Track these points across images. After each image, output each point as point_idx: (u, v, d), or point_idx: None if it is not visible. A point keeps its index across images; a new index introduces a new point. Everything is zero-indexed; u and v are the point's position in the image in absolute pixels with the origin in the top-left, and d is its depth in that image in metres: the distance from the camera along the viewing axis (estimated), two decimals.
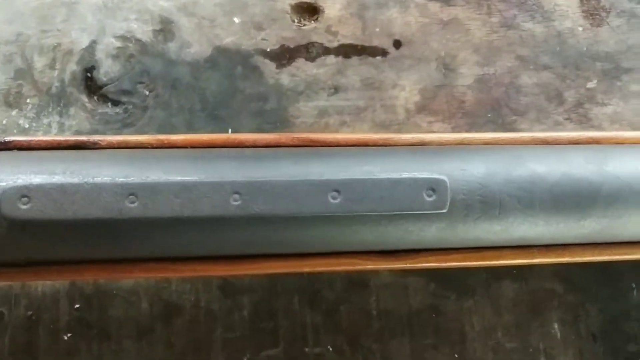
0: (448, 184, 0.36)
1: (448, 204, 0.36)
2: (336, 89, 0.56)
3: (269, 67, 0.57)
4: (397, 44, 0.57)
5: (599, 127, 0.57)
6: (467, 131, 0.56)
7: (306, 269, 0.39)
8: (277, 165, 0.37)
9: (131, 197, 0.34)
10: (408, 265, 0.40)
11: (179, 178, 0.35)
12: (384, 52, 0.57)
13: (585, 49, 0.58)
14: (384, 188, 0.36)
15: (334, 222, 0.37)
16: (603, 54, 0.58)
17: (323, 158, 0.38)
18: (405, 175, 0.37)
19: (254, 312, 0.52)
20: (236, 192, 0.35)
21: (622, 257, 0.42)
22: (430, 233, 0.38)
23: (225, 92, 0.56)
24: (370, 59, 0.57)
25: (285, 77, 0.56)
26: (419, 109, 0.56)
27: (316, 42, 0.57)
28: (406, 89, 0.56)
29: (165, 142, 0.38)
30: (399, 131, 0.56)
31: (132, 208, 0.34)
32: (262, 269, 0.38)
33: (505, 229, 0.38)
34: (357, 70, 0.57)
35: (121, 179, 0.35)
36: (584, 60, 0.58)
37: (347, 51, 0.57)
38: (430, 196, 0.36)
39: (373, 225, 0.38)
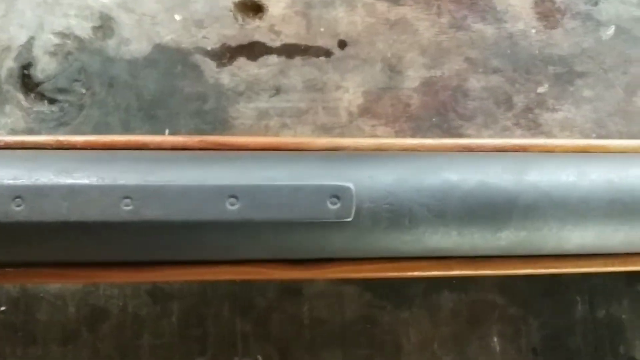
0: (354, 191, 0.35)
1: (353, 212, 0.35)
2: (278, 90, 0.55)
3: (209, 66, 0.55)
4: (342, 45, 0.56)
5: (549, 134, 0.55)
6: (411, 136, 0.54)
7: (208, 277, 0.37)
8: (175, 169, 0.36)
9: (17, 200, 0.33)
10: (318, 276, 0.38)
11: (68, 181, 0.34)
12: (328, 53, 0.56)
13: (537, 51, 0.56)
14: (285, 195, 0.34)
15: (236, 230, 0.36)
16: (556, 57, 0.56)
17: (226, 163, 0.37)
18: (308, 182, 0.35)
19: (183, 318, 0.51)
20: (127, 197, 0.34)
21: (545, 271, 0.40)
22: (339, 242, 0.37)
23: (163, 91, 0.55)
24: (314, 59, 0.55)
25: (226, 77, 0.55)
26: (362, 112, 0.54)
27: (259, 41, 0.56)
28: (350, 91, 0.55)
29: (65, 143, 0.36)
30: (342, 135, 0.55)
31: (18, 211, 0.33)
32: (160, 277, 0.36)
33: (417, 239, 0.37)
34: (299, 70, 0.55)
35: (8, 181, 0.33)
36: (535, 63, 0.56)
37: (290, 51, 0.56)
38: (334, 204, 0.35)
39: (278, 234, 0.36)
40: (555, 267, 0.40)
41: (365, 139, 0.43)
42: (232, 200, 0.34)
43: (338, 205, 0.35)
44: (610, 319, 0.52)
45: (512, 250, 0.39)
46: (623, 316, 0.52)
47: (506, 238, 0.37)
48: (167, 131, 0.54)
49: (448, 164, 0.37)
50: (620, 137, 0.55)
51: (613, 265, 0.40)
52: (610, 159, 0.40)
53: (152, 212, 0.34)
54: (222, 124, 0.54)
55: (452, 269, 0.39)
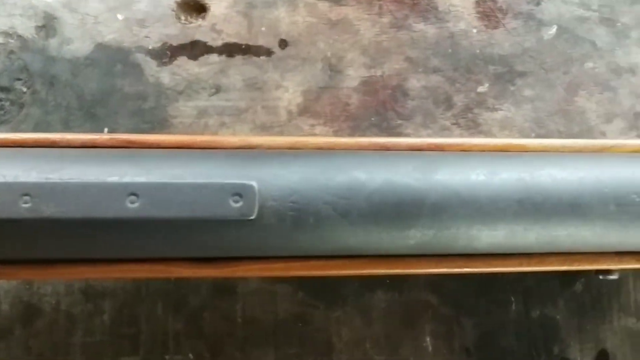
0: (256, 189, 0.35)
1: (256, 210, 0.35)
2: (218, 89, 0.55)
3: (149, 65, 0.55)
4: (283, 44, 0.56)
5: (488, 133, 0.54)
6: (349, 135, 0.54)
7: (116, 275, 0.37)
8: (79, 167, 0.36)
9: None
10: (227, 274, 0.38)
11: None
12: (268, 52, 0.56)
13: (478, 51, 0.56)
14: (187, 193, 0.34)
15: (139, 228, 0.36)
16: (497, 57, 0.55)
17: (131, 161, 0.37)
18: (210, 180, 0.35)
19: (115, 316, 0.51)
20: (26, 194, 0.34)
21: (457, 270, 0.40)
22: (245, 241, 0.36)
23: (103, 90, 0.55)
24: (255, 58, 0.55)
25: (166, 76, 0.55)
26: (301, 111, 0.54)
27: (200, 41, 0.56)
28: (289, 90, 0.55)
29: None
30: (281, 133, 0.55)
31: None
32: (65, 275, 0.36)
33: (324, 237, 0.37)
34: (240, 69, 0.55)
35: None
36: (476, 63, 0.55)
37: (231, 50, 0.56)
38: (236, 202, 0.35)
39: (182, 232, 0.36)
40: (467, 267, 0.40)
41: (278, 137, 0.43)
42: (133, 198, 0.34)
43: (240, 203, 0.35)
44: (544, 319, 0.52)
45: (422, 249, 0.39)
46: (557, 316, 0.52)
47: (415, 237, 0.37)
48: (105, 130, 0.55)
49: (358, 163, 0.37)
50: (560, 137, 0.54)
51: (529, 265, 0.40)
52: (525, 158, 0.40)
53: (51, 210, 0.34)
54: (161, 123, 0.54)
55: (363, 268, 0.39)
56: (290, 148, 0.40)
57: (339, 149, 0.40)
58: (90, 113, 0.54)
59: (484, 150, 0.42)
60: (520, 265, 0.40)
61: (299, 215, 0.36)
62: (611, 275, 0.43)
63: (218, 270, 0.38)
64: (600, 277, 0.43)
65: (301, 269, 0.38)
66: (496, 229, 0.38)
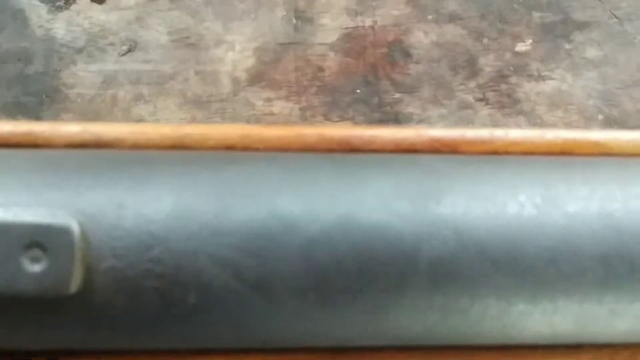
0: (76, 234, 0.18)
1: (75, 280, 0.18)
2: (132, 46, 0.39)
3: (37, 10, 0.40)
4: None
5: (531, 114, 0.39)
6: (323, 115, 0.37)
7: None
8: None
9: None
10: None
11: None
12: None
13: None
14: None
15: None
16: (544, 0, 0.38)
17: None
18: None
19: None
20: None
21: None
22: (64, 328, 0.20)
23: None
24: (187, 1, 0.39)
25: (60, 27, 0.40)
26: (252, 79, 0.39)
27: None
28: (236, 48, 0.39)
29: None
30: (223, 112, 0.38)
31: None
32: None
33: (217, 328, 0.19)
34: (164, 17, 0.39)
35: None
36: (514, 8, 0.39)
37: None
38: (35, 261, 0.18)
39: None
40: None
41: (144, 124, 0.26)
42: None
43: (42, 264, 0.18)
44: None
45: (409, 342, 0.21)
46: None
47: (397, 326, 0.20)
48: None
49: (284, 179, 0.20)
50: None
51: None
52: (606, 168, 0.22)
53: None
54: (52, 95, 0.39)
55: None
56: (172, 147, 0.22)
57: (261, 147, 0.23)
58: None
59: (528, 153, 0.24)
60: None
61: (165, 289, 0.19)
62: None
63: None
64: None
65: None
66: (557, 310, 0.20)
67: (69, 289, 0.18)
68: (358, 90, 0.38)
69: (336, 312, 0.21)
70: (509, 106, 0.38)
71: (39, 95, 0.40)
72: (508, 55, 0.39)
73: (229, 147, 0.23)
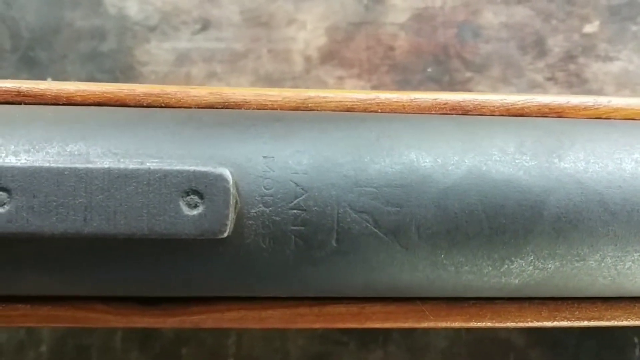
0: (231, 183, 0.18)
1: (230, 223, 0.19)
2: (205, 25, 0.39)
3: None
4: None
5: (599, 93, 0.38)
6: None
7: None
8: None
9: None
10: (179, 324, 0.22)
11: None
12: None
13: None
14: (96, 186, 0.18)
15: (20, 246, 0.20)
16: None
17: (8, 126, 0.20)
18: (146, 164, 0.19)
19: (55, 349, 0.36)
20: None
21: (588, 324, 0.23)
22: (210, 273, 0.20)
23: (46, 25, 0.40)
24: None
25: (133, 5, 0.39)
26: (324, 58, 0.38)
27: None
28: (307, 27, 0.39)
29: None
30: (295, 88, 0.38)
31: None
32: None
33: (355, 271, 0.20)
34: None
35: None
36: None
37: None
38: (193, 207, 0.19)
39: (94, 258, 0.20)
40: (606, 319, 0.23)
41: (272, 89, 0.26)
42: (1, 195, 0.19)
43: (199, 208, 0.19)
44: None
45: (530, 291, 0.22)
46: None
47: (520, 272, 0.21)
48: (49, 79, 0.39)
49: (413, 136, 0.21)
50: None
51: None
52: None
53: None
54: (126, 72, 0.39)
55: (422, 321, 0.22)
56: (296, 109, 0.23)
57: (378, 110, 0.23)
58: (28, 57, 0.40)
59: (629, 119, 0.24)
60: None
61: (309, 234, 0.20)
62: None
63: (164, 317, 0.22)
64: None
65: (312, 321, 0.22)
66: None
67: (225, 231, 0.19)
68: (429, 69, 0.38)
69: (464, 263, 0.21)
70: (578, 85, 0.38)
71: (112, 72, 0.40)
72: (576, 36, 0.39)
73: (348, 110, 0.24)
